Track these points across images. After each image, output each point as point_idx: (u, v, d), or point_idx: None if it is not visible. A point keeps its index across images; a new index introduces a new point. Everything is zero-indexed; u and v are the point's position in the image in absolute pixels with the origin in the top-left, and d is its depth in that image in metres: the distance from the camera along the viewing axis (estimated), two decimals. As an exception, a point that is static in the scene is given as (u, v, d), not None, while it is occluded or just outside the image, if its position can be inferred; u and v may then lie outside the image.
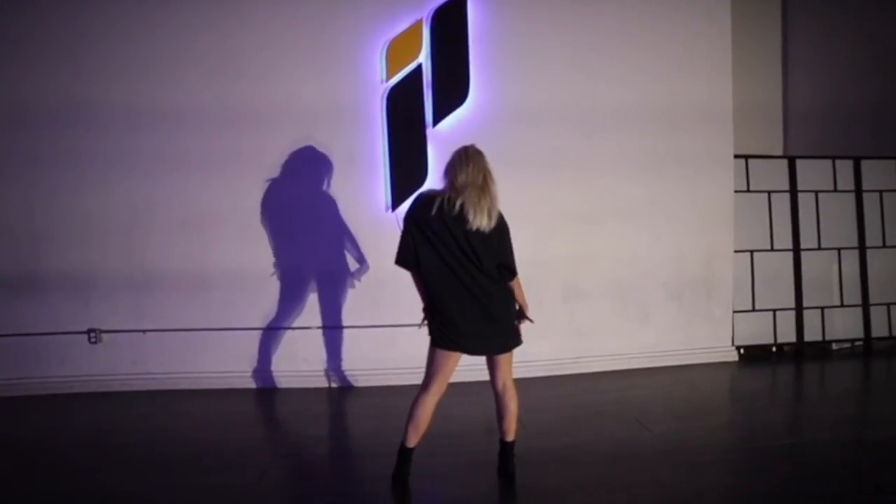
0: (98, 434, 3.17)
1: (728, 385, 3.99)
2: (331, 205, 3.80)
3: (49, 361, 3.74)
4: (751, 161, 4.44)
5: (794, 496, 2.40)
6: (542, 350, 3.99)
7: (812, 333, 4.47)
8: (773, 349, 4.48)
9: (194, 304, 3.75)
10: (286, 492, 2.58)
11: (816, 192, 4.51)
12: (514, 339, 2.45)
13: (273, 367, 3.85)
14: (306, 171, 3.76)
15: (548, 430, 3.08)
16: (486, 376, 4.33)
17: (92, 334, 3.75)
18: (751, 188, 4.43)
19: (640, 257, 4.12)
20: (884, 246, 4.56)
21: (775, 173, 4.46)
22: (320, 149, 3.77)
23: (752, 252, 4.41)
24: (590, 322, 4.09)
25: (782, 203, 4.45)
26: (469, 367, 3.89)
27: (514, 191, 3.94)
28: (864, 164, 4.55)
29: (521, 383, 3.81)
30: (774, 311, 4.43)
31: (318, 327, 3.85)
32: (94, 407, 3.54)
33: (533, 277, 4.01)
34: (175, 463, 2.76)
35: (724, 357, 4.29)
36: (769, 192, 4.45)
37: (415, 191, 3.43)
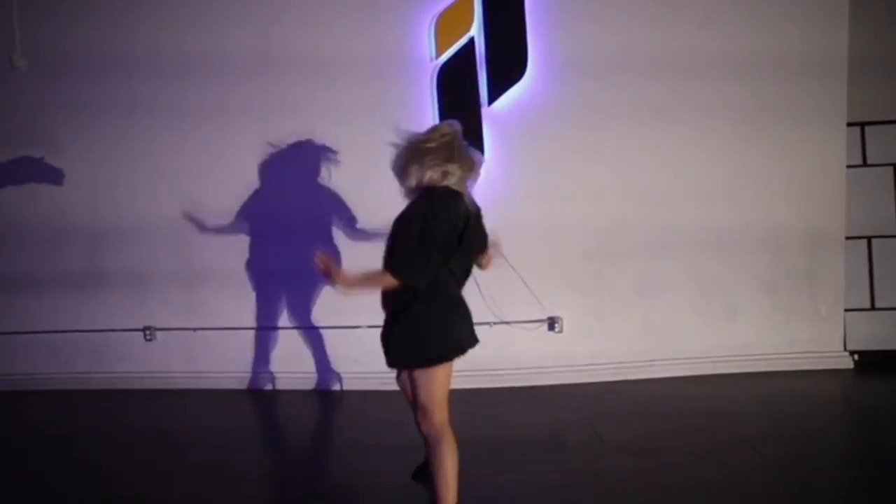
0: (155, 434, 3.18)
1: (844, 398, 3.39)
2: (383, 198, 3.58)
3: (110, 358, 3.86)
4: (868, 129, 3.74)
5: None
6: (611, 351, 3.62)
7: (953, 336, 3.72)
8: (900, 355, 3.77)
9: (243, 302, 3.73)
10: (345, 500, 2.39)
11: (966, 163, 3.74)
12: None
13: (321, 368, 3.71)
14: (353, 163, 3.56)
15: (631, 447, 2.66)
16: (544, 381, 3.87)
17: (147, 332, 3.82)
18: (868, 162, 3.74)
19: (726, 244, 3.61)
20: None
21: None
22: (366, 138, 3.54)
23: (869, 238, 3.74)
24: (667, 320, 3.64)
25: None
26: (526, 371, 3.58)
27: (580, 173, 3.61)
28: None
29: (585, 388, 3.48)
30: (900, 308, 3.73)
31: (369, 326, 3.64)
32: (150, 405, 3.59)
33: (602, 269, 3.65)
34: (228, 469, 2.64)
35: (834, 364, 3.67)
36: (894, 166, 3.75)
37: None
